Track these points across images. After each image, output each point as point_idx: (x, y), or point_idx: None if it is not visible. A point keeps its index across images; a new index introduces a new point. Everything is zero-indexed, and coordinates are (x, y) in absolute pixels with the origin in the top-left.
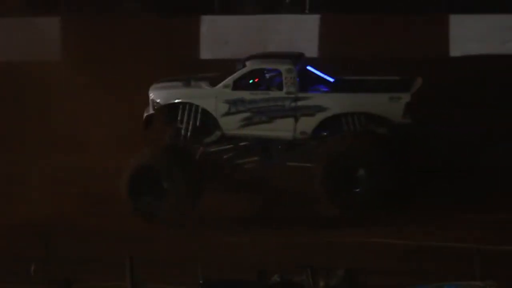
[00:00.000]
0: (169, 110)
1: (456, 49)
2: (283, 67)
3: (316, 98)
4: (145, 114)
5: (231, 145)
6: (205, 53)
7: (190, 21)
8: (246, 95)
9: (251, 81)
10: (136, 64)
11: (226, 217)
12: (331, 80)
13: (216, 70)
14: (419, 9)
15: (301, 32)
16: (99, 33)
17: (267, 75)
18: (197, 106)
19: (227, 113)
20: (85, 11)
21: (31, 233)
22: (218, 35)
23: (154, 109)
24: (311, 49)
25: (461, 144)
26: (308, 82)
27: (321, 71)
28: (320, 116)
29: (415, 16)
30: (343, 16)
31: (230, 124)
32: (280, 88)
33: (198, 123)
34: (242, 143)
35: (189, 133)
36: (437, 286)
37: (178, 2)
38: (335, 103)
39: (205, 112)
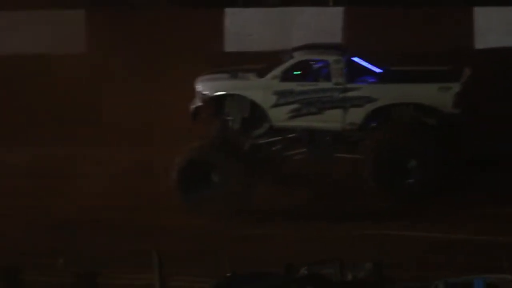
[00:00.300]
0: (217, 102)
1: (481, 42)
2: (331, 58)
3: (364, 89)
4: (193, 106)
5: (280, 137)
6: (229, 46)
7: (213, 14)
8: (294, 86)
9: (299, 72)
10: (167, 58)
11: (261, 209)
12: (379, 71)
13: (239, 64)
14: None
15: (325, 24)
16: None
17: (315, 66)
18: (245, 98)
19: (276, 105)
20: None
21: (58, 226)
22: (242, 28)
23: (201, 101)
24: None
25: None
26: (355, 73)
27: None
28: (369, 107)
29: (439, 9)
30: (366, 9)
31: (279, 116)
32: (328, 79)
33: (246, 115)
34: (290, 135)
35: (237, 125)
36: (466, 279)
37: None
38: (384, 94)
39: (253, 104)
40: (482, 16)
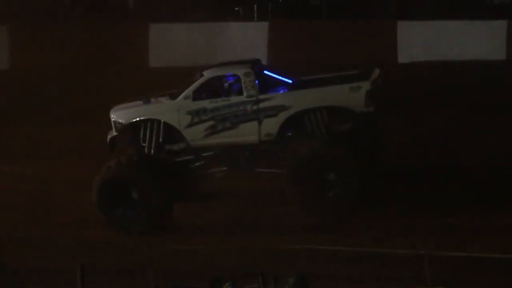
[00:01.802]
0: (132, 130)
1: (404, 55)
2: (241, 72)
3: (277, 98)
4: (109, 137)
5: (197, 156)
6: (154, 62)
7: (138, 28)
8: (207, 104)
9: (211, 90)
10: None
11: (183, 225)
12: (290, 81)
13: (165, 79)
14: (367, 15)
15: (250, 39)
16: None
17: (226, 83)
18: (159, 122)
19: (191, 124)
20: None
21: None
22: (167, 43)
23: (117, 130)
24: (260, 56)
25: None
26: (267, 86)
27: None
28: (283, 116)
29: (363, 22)
30: (290, 23)
31: (195, 135)
32: (240, 93)
33: (161, 139)
34: (208, 153)
35: (152, 150)
36: None
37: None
38: (296, 101)
39: (168, 126)
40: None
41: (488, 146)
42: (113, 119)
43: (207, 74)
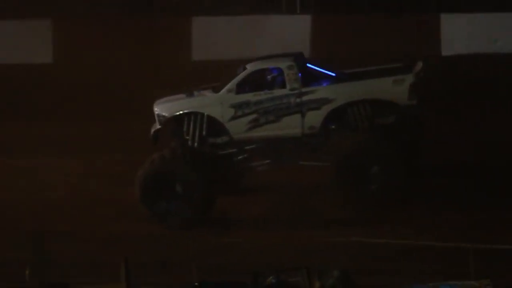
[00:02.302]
0: (176, 123)
1: (447, 48)
2: (284, 65)
3: (320, 91)
4: (152, 130)
5: (240, 149)
6: (196, 55)
7: (180, 21)
8: (250, 97)
9: (254, 83)
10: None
11: (227, 218)
12: (333, 74)
13: (208, 72)
14: (410, 9)
15: (292, 32)
16: None
17: (269, 76)
18: (202, 115)
19: (234, 117)
20: None
21: (24, 236)
22: (209, 36)
23: (160, 123)
24: (303, 49)
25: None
26: (310, 79)
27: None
28: (326, 108)
29: (406, 15)
30: (334, 17)
31: (238, 128)
32: (283, 86)
33: (204, 132)
34: (251, 146)
35: (196, 144)
36: (433, 285)
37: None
38: (340, 94)
39: (212, 119)
40: (448, 23)
41: None
42: (156, 112)
43: (250, 67)
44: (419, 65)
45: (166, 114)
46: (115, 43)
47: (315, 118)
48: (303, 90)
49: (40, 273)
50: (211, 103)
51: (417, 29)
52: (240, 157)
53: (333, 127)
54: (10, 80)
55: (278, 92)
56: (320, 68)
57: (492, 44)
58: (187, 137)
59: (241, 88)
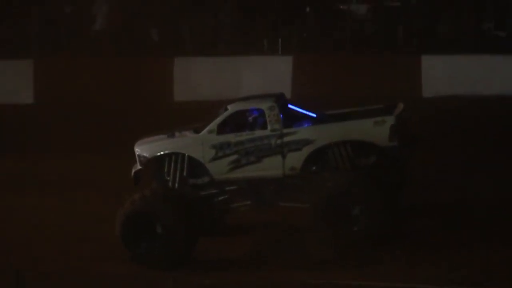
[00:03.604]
0: (156, 164)
1: (428, 90)
2: (265, 106)
3: (301, 132)
4: (133, 170)
5: (221, 189)
6: (179, 95)
7: (163, 62)
8: (231, 138)
9: (235, 124)
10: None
11: (208, 259)
12: (314, 115)
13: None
14: (391, 50)
15: (274, 72)
16: None
17: (250, 117)
18: (183, 155)
19: (215, 158)
20: None
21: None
22: (191, 76)
23: (141, 164)
24: (284, 89)
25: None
26: (291, 120)
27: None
28: (307, 149)
29: (388, 56)
30: (315, 57)
31: (219, 169)
32: (264, 127)
33: (185, 173)
34: (232, 187)
35: (176, 184)
36: None
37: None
38: (320, 135)
39: (192, 160)
40: (429, 64)
41: None
42: (137, 153)
43: (231, 108)
44: (400, 106)
45: (147, 155)
46: (97, 83)
47: (296, 159)
48: (284, 131)
49: None
50: (192, 143)
51: (398, 70)
52: (221, 198)
53: (314, 168)
54: None
55: (259, 133)
56: (301, 109)
57: (473, 86)
58: (168, 178)
59: (222, 128)
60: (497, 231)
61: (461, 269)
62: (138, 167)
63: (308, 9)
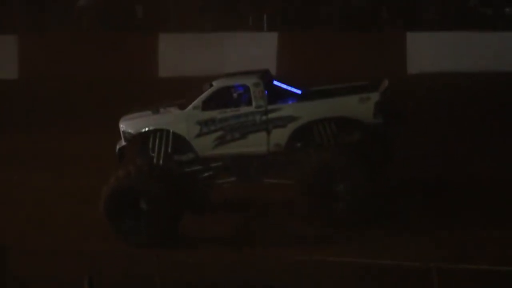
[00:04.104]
0: (141, 140)
1: (413, 67)
2: (250, 82)
3: (286, 109)
4: (118, 147)
5: (205, 166)
6: (164, 71)
7: (147, 38)
8: (216, 114)
9: (220, 100)
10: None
11: (192, 235)
12: (299, 92)
13: (173, 89)
14: (376, 27)
15: (259, 49)
16: None
17: (235, 93)
18: (168, 132)
19: (199, 134)
20: None
21: None
22: (176, 52)
23: (126, 140)
24: (269, 66)
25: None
26: (276, 96)
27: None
28: (292, 126)
29: (373, 33)
30: (300, 34)
31: (204, 145)
32: (249, 103)
33: (169, 149)
34: (217, 164)
35: (161, 161)
36: None
37: (130, 19)
38: (305, 111)
39: (177, 136)
40: (414, 41)
41: (497, 158)
42: (122, 129)
43: (217, 84)
44: (385, 83)
45: (132, 131)
46: (82, 58)
47: (280, 135)
48: (269, 107)
49: None
50: (177, 120)
51: (383, 47)
52: (206, 174)
53: (298, 144)
54: None
55: (244, 109)
56: (286, 85)
57: (457, 62)
58: (153, 154)
59: (207, 105)
60: (483, 208)
61: (446, 247)
62: (123, 143)
63: None
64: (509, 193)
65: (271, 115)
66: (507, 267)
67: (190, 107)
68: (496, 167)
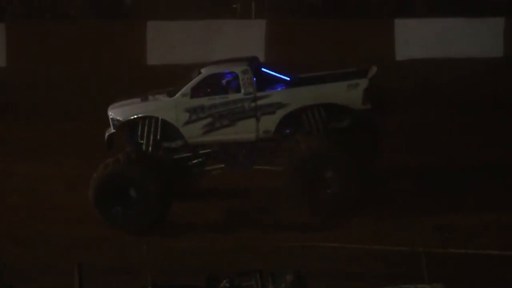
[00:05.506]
0: (130, 127)
1: (402, 53)
2: (238, 69)
3: (275, 96)
4: (107, 134)
5: (194, 153)
6: (152, 59)
7: (135, 26)
8: (205, 101)
9: (209, 87)
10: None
11: (181, 222)
12: (287, 78)
13: (162, 76)
14: (364, 14)
15: (247, 36)
16: None
17: (224, 80)
18: (157, 119)
19: (188, 122)
20: None
21: None
22: (164, 40)
23: (115, 128)
24: (257, 53)
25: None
26: (265, 83)
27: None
28: (281, 113)
29: (361, 20)
30: (288, 21)
31: (192, 132)
32: (238, 90)
33: (158, 136)
34: (206, 151)
35: (150, 148)
36: None
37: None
38: (294, 98)
39: (166, 124)
40: (402, 27)
41: (485, 144)
42: (111, 117)
43: (205, 71)
44: (374, 69)
45: (121, 118)
46: (69, 46)
47: (269, 122)
48: (258, 94)
49: None
50: (166, 107)
51: (371, 34)
52: (195, 161)
53: (287, 131)
54: None
55: (232, 96)
56: (275, 72)
57: (445, 49)
58: (142, 141)
59: (195, 92)
60: (472, 194)
61: (434, 232)
62: (112, 130)
63: None
64: (501, 179)
65: (260, 102)
66: (495, 251)
67: (178, 94)
68: (486, 152)
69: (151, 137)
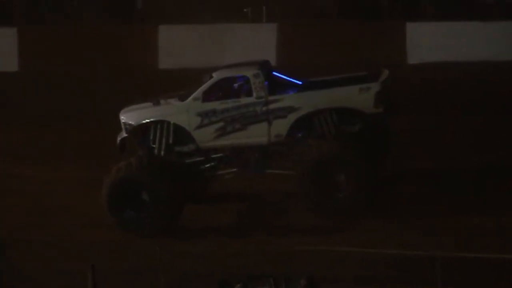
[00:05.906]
0: (142, 131)
1: (413, 56)
2: (250, 73)
3: (286, 100)
4: (119, 138)
5: (206, 157)
6: (164, 63)
7: (147, 30)
8: (217, 105)
9: (220, 91)
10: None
11: (194, 227)
12: (299, 82)
13: (174, 80)
14: (376, 17)
15: (259, 40)
16: None
17: (236, 84)
18: (168, 123)
19: (200, 126)
20: None
21: None
22: (176, 44)
23: (127, 132)
24: (269, 57)
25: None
26: (276, 87)
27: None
28: (292, 117)
29: (373, 23)
30: (300, 24)
31: (205, 136)
32: (249, 94)
33: (170, 140)
34: (218, 155)
35: (162, 152)
36: None
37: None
38: (306, 102)
39: (178, 128)
40: (414, 31)
41: (497, 147)
42: (123, 121)
43: (217, 75)
44: (385, 73)
45: (133, 123)
46: (81, 51)
47: (281, 126)
48: (270, 98)
49: (3, 281)
50: (178, 111)
51: (383, 37)
52: (207, 165)
53: (299, 135)
54: None
55: (244, 100)
56: (286, 76)
57: (458, 52)
58: (154, 146)
59: (207, 96)
60: (483, 197)
61: (447, 235)
62: (124, 135)
63: None
64: (509, 182)
65: (271, 106)
66: (508, 255)
67: (190, 98)
68: (498, 155)
69: (163, 141)
